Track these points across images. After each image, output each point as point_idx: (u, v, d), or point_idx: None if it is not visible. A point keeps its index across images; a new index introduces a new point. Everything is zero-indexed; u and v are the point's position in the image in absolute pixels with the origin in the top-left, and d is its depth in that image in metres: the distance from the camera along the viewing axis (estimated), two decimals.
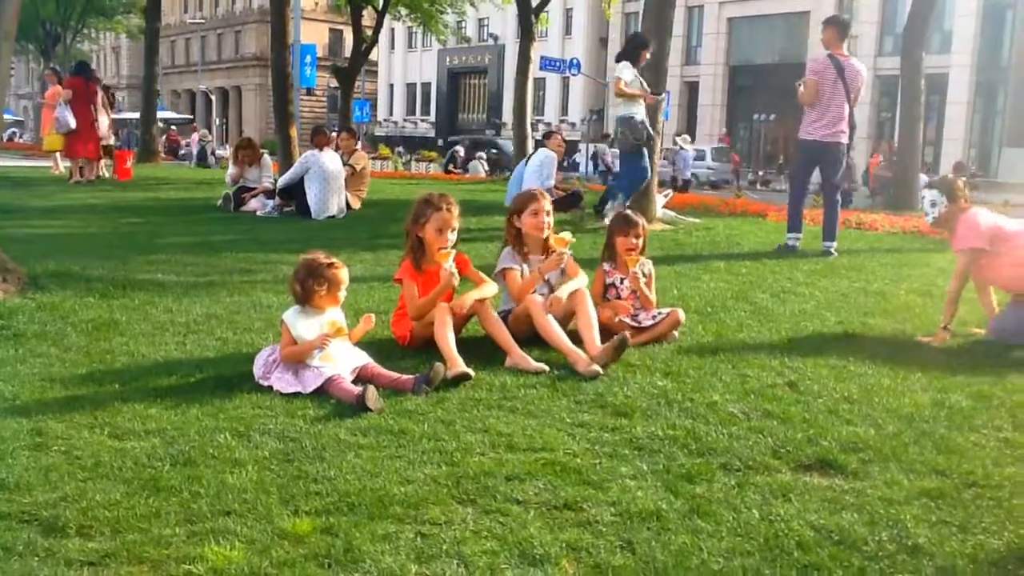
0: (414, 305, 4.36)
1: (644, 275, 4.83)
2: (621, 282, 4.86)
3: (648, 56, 9.54)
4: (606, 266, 4.94)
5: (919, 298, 6.16)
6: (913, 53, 16.33)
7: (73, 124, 14.07)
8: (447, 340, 4.07)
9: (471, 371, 3.91)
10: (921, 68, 16.43)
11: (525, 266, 4.62)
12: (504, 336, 4.26)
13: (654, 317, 4.73)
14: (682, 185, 26.51)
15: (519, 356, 4.16)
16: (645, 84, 9.49)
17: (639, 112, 9.43)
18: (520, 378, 3.96)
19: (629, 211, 5.19)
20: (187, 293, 5.50)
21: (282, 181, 10.79)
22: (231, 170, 11.93)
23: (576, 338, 4.31)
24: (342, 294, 4.05)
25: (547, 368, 4.09)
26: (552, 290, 4.56)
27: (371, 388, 3.55)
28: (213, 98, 64.50)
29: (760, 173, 39.92)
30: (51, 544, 2.36)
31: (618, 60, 9.56)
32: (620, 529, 2.54)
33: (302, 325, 3.90)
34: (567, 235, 4.58)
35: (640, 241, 4.83)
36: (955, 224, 4.98)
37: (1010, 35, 36.14)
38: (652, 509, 2.66)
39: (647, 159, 9.66)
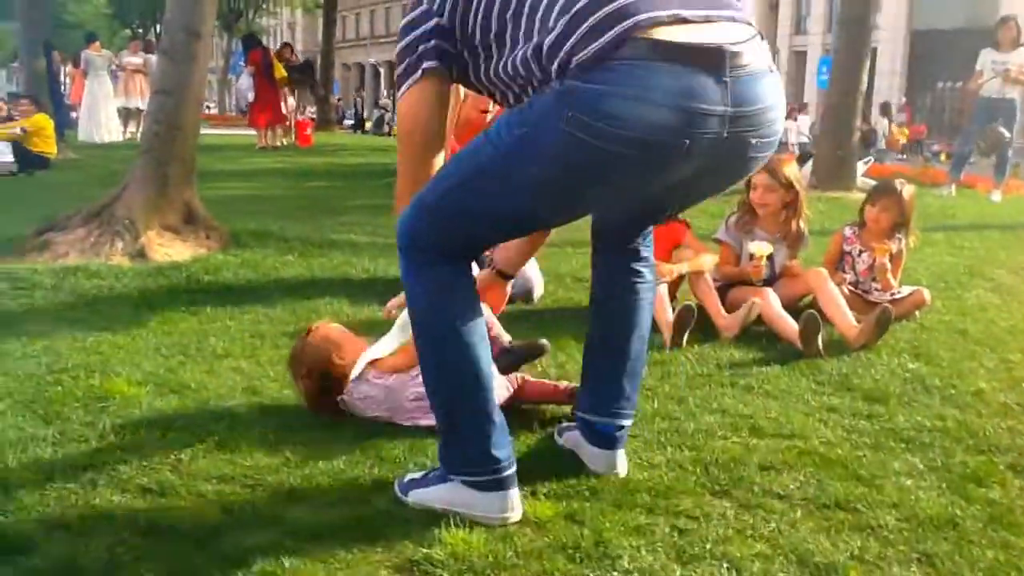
0: None
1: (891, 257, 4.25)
2: (859, 254, 4.34)
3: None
4: (847, 231, 4.42)
5: None
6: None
7: (251, 96, 14.96)
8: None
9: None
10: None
11: (745, 239, 4.19)
12: (714, 303, 3.96)
13: (893, 295, 4.21)
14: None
15: (727, 320, 3.86)
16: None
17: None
18: (748, 354, 3.60)
19: (897, 181, 4.45)
20: (383, 254, 5.37)
21: None
22: None
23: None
24: None
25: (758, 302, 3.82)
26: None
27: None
28: (381, 71, 65.96)
29: (949, 144, 37.23)
30: None
31: None
32: (911, 538, 2.15)
33: None
34: (767, 247, 4.08)
35: (889, 217, 4.26)
36: None
37: None
38: (945, 516, 2.25)
39: None
